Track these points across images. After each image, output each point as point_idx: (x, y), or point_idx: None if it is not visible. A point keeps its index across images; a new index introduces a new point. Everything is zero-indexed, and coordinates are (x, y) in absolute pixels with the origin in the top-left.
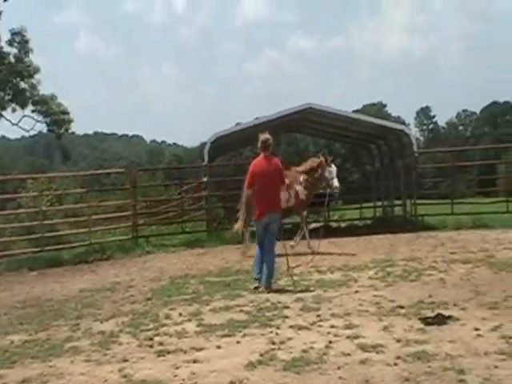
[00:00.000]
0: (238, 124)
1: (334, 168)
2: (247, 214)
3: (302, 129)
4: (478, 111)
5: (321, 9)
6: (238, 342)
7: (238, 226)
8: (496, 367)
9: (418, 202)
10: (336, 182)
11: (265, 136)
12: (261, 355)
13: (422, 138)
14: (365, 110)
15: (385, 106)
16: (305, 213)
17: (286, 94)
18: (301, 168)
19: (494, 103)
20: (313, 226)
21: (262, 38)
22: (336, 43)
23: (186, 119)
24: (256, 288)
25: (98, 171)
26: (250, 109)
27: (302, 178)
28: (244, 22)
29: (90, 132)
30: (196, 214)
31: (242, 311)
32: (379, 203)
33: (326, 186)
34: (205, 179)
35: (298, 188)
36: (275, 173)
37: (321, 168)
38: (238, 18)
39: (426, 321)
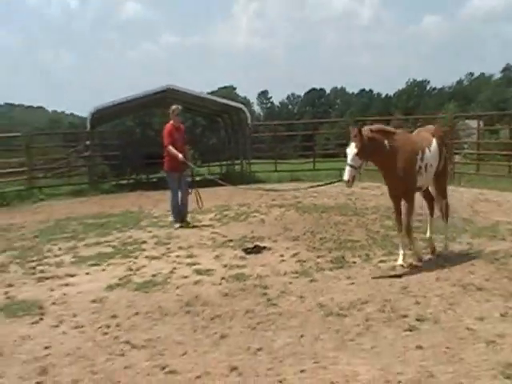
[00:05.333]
0: (119, 99)
1: (351, 147)
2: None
3: (167, 105)
4: (302, 94)
5: (183, 11)
6: (103, 270)
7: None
8: (290, 283)
9: (252, 161)
10: (345, 173)
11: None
12: (119, 279)
13: (262, 114)
14: (219, 92)
15: (235, 88)
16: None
17: (159, 78)
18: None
19: (314, 89)
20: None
21: (138, 33)
22: (196, 39)
23: (82, 93)
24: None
25: (0, 134)
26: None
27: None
28: (125, 18)
29: (1, 103)
30: (82, 170)
31: (109, 246)
32: (224, 162)
33: None
34: (87, 142)
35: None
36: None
37: None
38: (121, 14)
39: (247, 251)
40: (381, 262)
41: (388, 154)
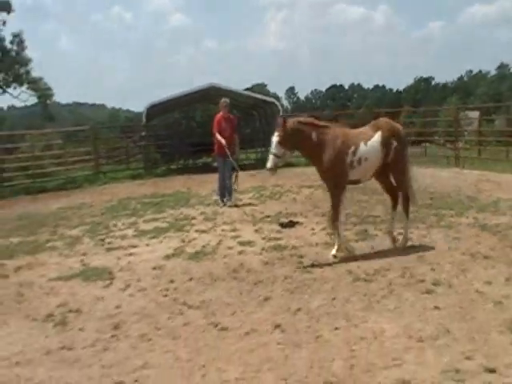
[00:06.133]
0: (169, 96)
1: (274, 136)
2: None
3: (210, 100)
4: (324, 90)
5: (221, 19)
6: (160, 242)
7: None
8: (321, 253)
9: None
10: (268, 161)
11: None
12: (175, 250)
13: (289, 107)
14: (253, 88)
15: (266, 85)
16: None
17: (200, 78)
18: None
19: (334, 86)
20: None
21: (185, 38)
22: (233, 44)
23: (136, 92)
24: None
25: (71, 128)
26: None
27: None
28: (172, 27)
29: (70, 102)
30: (138, 157)
31: (164, 221)
32: (259, 149)
33: None
34: (143, 134)
35: None
36: None
37: None
38: (168, 24)
39: (282, 225)
40: (399, 234)
41: (315, 146)
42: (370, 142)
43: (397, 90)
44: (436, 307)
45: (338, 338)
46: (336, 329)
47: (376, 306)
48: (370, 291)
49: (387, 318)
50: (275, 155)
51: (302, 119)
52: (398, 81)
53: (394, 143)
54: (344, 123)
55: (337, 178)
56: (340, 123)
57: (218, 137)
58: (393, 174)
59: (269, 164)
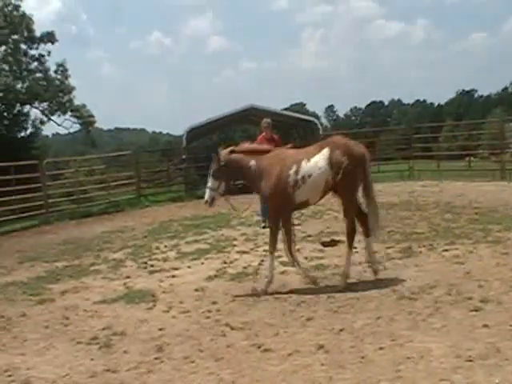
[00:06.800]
0: (208, 118)
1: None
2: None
3: (250, 121)
4: (363, 107)
5: (258, 41)
6: (202, 263)
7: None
8: (365, 271)
9: None
10: (205, 195)
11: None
12: (216, 271)
13: (329, 125)
14: (291, 107)
15: (305, 104)
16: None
17: (245, 98)
18: None
19: (374, 102)
20: None
21: (224, 61)
22: (270, 64)
23: (176, 115)
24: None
25: (113, 154)
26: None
27: None
28: (210, 50)
29: (112, 127)
30: (179, 180)
31: (206, 243)
32: None
33: None
34: (184, 157)
35: None
36: None
37: None
38: (207, 47)
39: (324, 244)
40: (444, 250)
41: (255, 173)
42: (314, 158)
43: (438, 105)
44: (485, 325)
45: (383, 358)
46: (381, 349)
47: (422, 325)
48: (415, 310)
49: (434, 337)
50: (210, 188)
51: (236, 148)
52: (439, 95)
53: (345, 162)
54: (287, 146)
55: (283, 201)
56: (282, 146)
57: None
58: (339, 195)
59: (205, 197)
